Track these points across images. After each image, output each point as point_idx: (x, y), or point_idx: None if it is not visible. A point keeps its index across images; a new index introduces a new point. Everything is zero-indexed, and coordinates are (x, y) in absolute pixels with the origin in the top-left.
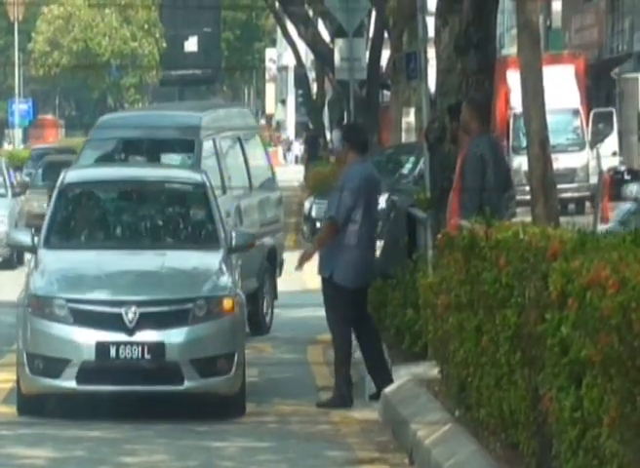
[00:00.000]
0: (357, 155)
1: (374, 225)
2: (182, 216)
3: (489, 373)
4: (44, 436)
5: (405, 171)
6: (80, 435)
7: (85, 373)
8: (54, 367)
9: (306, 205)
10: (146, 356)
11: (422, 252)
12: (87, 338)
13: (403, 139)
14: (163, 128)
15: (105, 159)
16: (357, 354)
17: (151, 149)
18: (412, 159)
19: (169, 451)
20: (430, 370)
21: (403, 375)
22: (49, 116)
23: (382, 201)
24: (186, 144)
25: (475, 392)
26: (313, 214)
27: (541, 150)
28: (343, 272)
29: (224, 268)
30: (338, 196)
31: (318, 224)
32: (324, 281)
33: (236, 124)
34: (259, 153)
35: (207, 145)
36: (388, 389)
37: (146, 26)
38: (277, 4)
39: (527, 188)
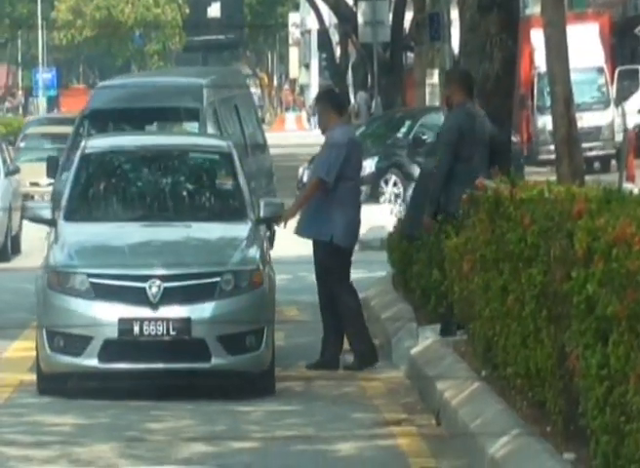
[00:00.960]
0: (338, 118)
1: (359, 187)
2: (208, 186)
3: (515, 332)
4: (70, 404)
5: (399, 135)
6: (106, 403)
7: (107, 351)
8: (75, 344)
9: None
10: (171, 332)
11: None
12: (109, 314)
13: (427, 101)
14: (165, 95)
15: (104, 130)
16: (385, 314)
17: (153, 118)
18: (407, 123)
19: (195, 417)
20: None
21: (429, 336)
22: (81, 85)
23: (372, 164)
24: (191, 113)
25: (501, 351)
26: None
27: (566, 109)
28: (344, 233)
29: (252, 240)
30: (326, 157)
31: None
32: (321, 244)
33: (232, 88)
34: (252, 118)
35: (209, 112)
36: (414, 350)
37: None
38: None
39: (551, 147)
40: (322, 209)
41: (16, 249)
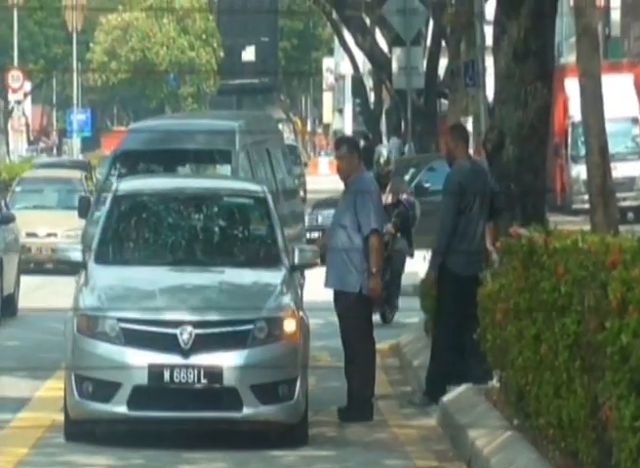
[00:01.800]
0: (360, 165)
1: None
2: (242, 231)
3: (548, 382)
4: (101, 445)
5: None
6: (138, 444)
7: (137, 398)
8: (104, 390)
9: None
10: (202, 380)
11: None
12: (139, 360)
13: None
14: (197, 137)
15: (135, 171)
16: (416, 362)
17: (184, 161)
18: (411, 171)
19: (227, 460)
20: (489, 378)
21: (461, 384)
22: (122, 127)
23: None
24: (223, 155)
25: (534, 400)
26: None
27: (601, 159)
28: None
29: (286, 287)
30: (370, 207)
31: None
32: (346, 295)
33: (264, 133)
34: (284, 163)
35: (241, 155)
36: (447, 397)
37: (204, 36)
38: (334, 13)
39: (586, 197)
40: (348, 259)
41: (10, 311)
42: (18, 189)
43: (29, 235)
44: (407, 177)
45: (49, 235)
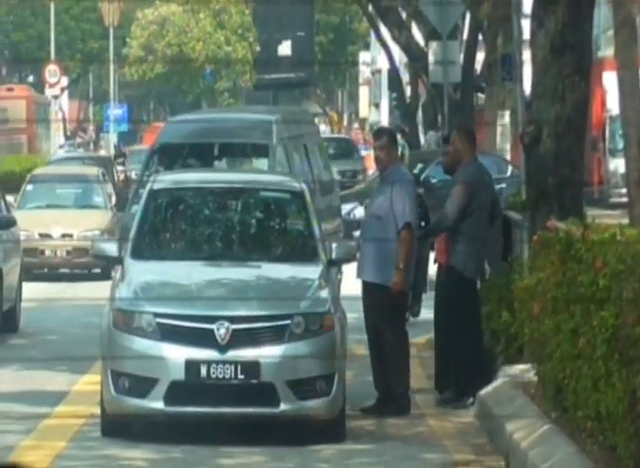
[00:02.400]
0: (397, 156)
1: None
2: (279, 226)
3: (586, 375)
4: (139, 439)
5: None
6: (175, 438)
7: (173, 394)
8: (140, 386)
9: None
10: (239, 376)
11: (518, 254)
12: (176, 356)
13: (498, 142)
14: (235, 131)
15: (172, 165)
16: None
17: (222, 154)
18: (419, 166)
19: (265, 454)
20: (526, 372)
21: (498, 378)
22: (161, 122)
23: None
24: (260, 149)
25: (572, 394)
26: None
27: (639, 151)
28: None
29: (324, 282)
30: (407, 201)
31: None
32: (380, 288)
33: (301, 127)
34: (320, 157)
35: (278, 149)
36: (484, 391)
37: (240, 31)
38: (371, 7)
39: (623, 190)
40: (381, 251)
41: (11, 326)
42: (29, 187)
43: (43, 236)
44: (414, 172)
45: (64, 236)
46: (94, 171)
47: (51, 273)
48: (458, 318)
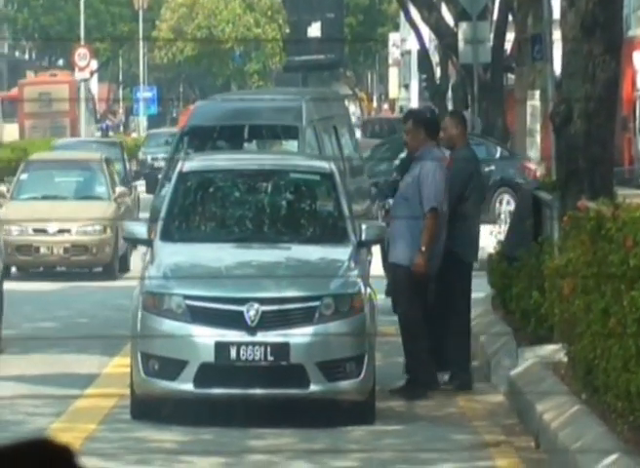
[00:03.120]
0: (430, 141)
1: (445, 212)
2: (309, 208)
3: (616, 355)
4: (169, 421)
5: (397, 161)
6: (205, 420)
7: (203, 376)
8: (170, 368)
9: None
10: (269, 357)
11: (548, 234)
12: (205, 338)
13: (528, 122)
14: (264, 113)
15: (202, 147)
16: (483, 337)
17: (252, 136)
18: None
19: (294, 435)
20: (556, 352)
21: (529, 358)
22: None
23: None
24: (290, 131)
25: (602, 375)
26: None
27: None
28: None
29: (354, 264)
30: (431, 184)
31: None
32: (402, 269)
33: (331, 109)
34: (350, 140)
35: (308, 131)
36: (514, 372)
37: (270, 13)
38: None
39: None
40: (406, 232)
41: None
42: (23, 176)
43: (37, 232)
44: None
45: (61, 231)
46: (96, 156)
47: (47, 272)
48: (459, 302)
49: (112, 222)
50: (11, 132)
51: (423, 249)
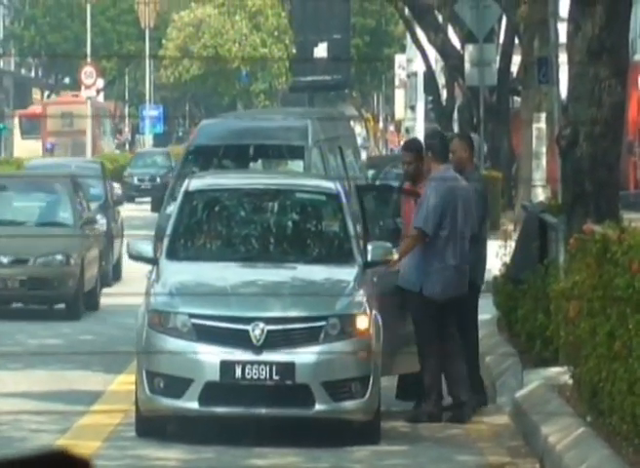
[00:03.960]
0: (439, 164)
1: (462, 236)
2: (315, 228)
3: (622, 378)
4: (172, 439)
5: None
6: (209, 439)
7: (208, 394)
8: (175, 386)
9: None
10: (275, 377)
11: (554, 257)
12: (211, 357)
13: (534, 145)
14: (270, 133)
15: (208, 166)
16: (489, 358)
17: (257, 156)
18: (371, 172)
19: (299, 455)
20: (562, 375)
21: (534, 380)
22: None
23: None
24: (295, 150)
25: (607, 397)
26: None
27: None
28: (435, 284)
29: (359, 284)
30: (424, 208)
31: None
32: (410, 295)
33: (337, 129)
34: (355, 160)
35: (314, 151)
36: (519, 393)
37: (276, 33)
38: (407, 10)
39: None
40: (410, 256)
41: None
42: None
43: None
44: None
45: (17, 262)
46: (62, 180)
47: (1, 309)
48: (470, 325)
49: (78, 252)
50: (29, 148)
51: (395, 258)
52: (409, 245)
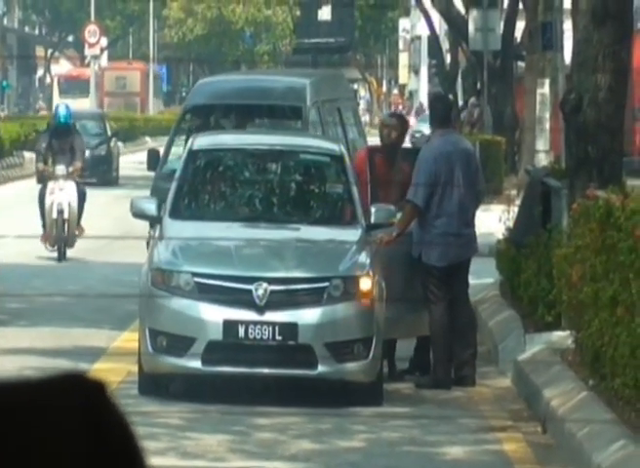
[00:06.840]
0: (439, 128)
1: (461, 200)
2: (318, 189)
3: (624, 343)
4: (175, 397)
5: None
6: (212, 397)
7: (211, 354)
8: (178, 345)
9: None
10: (277, 337)
11: (557, 221)
12: (214, 316)
13: (537, 111)
14: (267, 92)
15: (204, 125)
16: (492, 322)
17: (254, 116)
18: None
19: (301, 415)
20: (564, 339)
21: (536, 344)
22: None
23: None
24: (293, 111)
25: (610, 361)
26: None
27: None
28: (432, 250)
29: (363, 246)
30: (415, 178)
31: None
32: (416, 260)
33: (336, 91)
34: (355, 123)
35: (312, 112)
36: (522, 357)
37: None
38: None
39: None
40: (415, 225)
41: None
42: None
43: None
44: None
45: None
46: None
47: None
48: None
49: None
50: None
51: (395, 234)
52: (405, 219)
